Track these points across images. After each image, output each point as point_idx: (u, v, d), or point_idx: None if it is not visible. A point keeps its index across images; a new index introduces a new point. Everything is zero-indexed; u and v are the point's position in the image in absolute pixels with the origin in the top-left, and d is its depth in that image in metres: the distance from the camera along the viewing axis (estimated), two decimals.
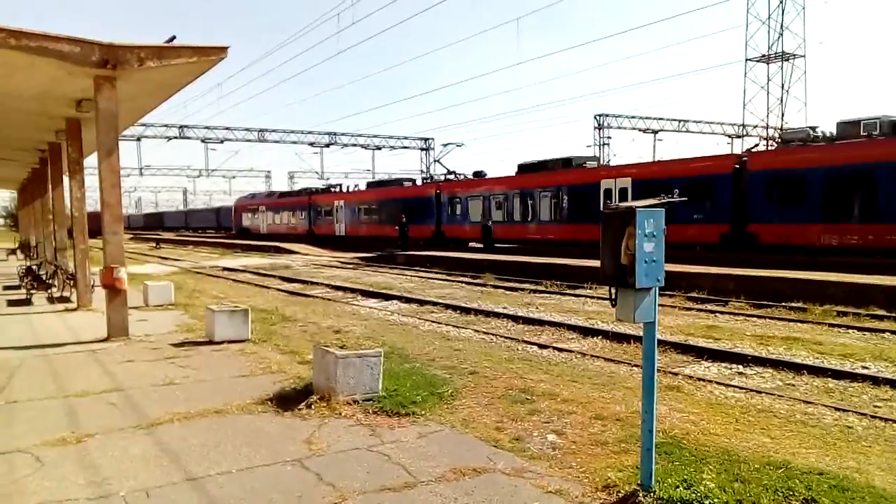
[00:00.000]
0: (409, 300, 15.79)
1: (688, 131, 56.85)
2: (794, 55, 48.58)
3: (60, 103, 12.47)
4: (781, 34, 48.04)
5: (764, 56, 48.93)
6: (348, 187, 49.96)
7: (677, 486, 4.14)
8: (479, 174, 35.15)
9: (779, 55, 48.35)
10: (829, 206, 18.75)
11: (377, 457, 4.88)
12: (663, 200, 4.03)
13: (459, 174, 37.18)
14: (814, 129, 21.45)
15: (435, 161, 51.49)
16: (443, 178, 38.42)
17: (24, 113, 14.25)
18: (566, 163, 28.76)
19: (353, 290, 18.24)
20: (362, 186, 48.06)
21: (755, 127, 52.05)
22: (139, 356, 8.56)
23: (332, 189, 49.61)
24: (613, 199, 24.69)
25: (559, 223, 27.59)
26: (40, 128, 15.81)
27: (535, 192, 28.72)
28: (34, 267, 19.17)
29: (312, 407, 6.00)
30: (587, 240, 23.92)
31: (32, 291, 15.08)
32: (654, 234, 3.92)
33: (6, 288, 17.42)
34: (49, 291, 15.56)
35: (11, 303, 14.35)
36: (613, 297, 4.10)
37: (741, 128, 54.14)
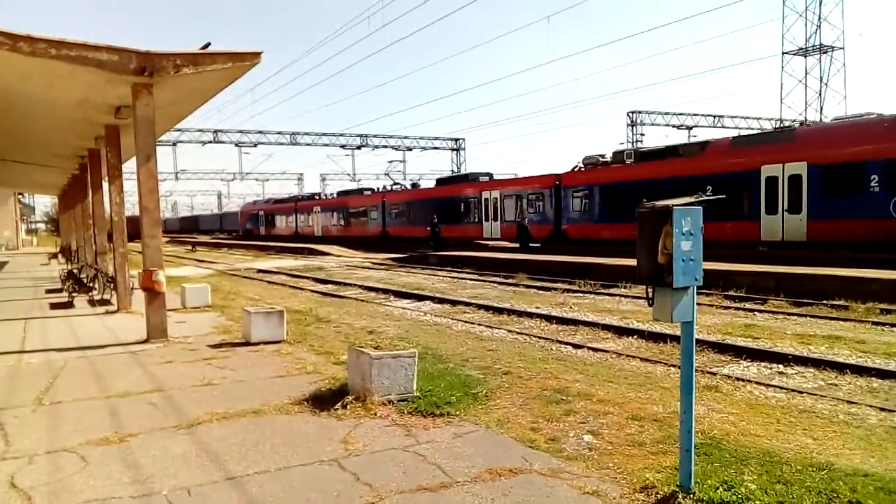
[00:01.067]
0: (441, 300, 15.82)
1: (723, 127, 55.94)
2: (832, 47, 47.54)
3: (100, 110, 12.77)
4: (819, 26, 47.03)
5: (801, 49, 47.99)
6: (328, 194, 60.86)
7: (717, 488, 4.08)
8: (415, 185, 46.13)
9: (816, 48, 47.36)
10: (602, 211, 26.79)
11: (413, 457, 4.89)
12: (701, 198, 3.97)
13: (398, 185, 48.12)
14: (603, 155, 28.46)
15: (461, 163, 53.63)
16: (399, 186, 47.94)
17: (65, 120, 14.64)
18: (466, 177, 38.10)
19: (385, 291, 18.33)
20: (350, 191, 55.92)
21: (793, 121, 51.12)
22: (178, 357, 8.72)
23: (315, 196, 60.91)
24: (487, 206, 33.81)
25: (457, 223, 36.10)
26: (80, 134, 16.21)
27: (444, 201, 37.18)
28: (75, 270, 19.68)
29: (348, 407, 6.05)
30: (472, 236, 34.90)
31: (74, 294, 15.44)
32: (691, 233, 3.87)
33: (49, 291, 17.88)
34: (90, 294, 15.94)
35: (54, 305, 14.71)
36: (650, 296, 4.05)
37: (778, 122, 53.17)
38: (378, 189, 49.55)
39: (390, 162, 53.92)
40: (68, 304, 14.66)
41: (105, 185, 18.02)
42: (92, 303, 15.06)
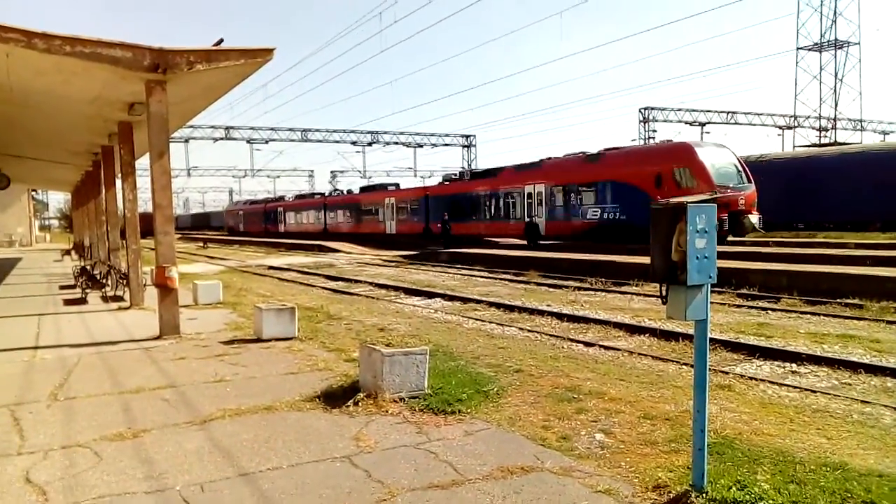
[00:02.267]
0: (452, 298, 15.82)
1: (736, 123, 55.59)
2: (848, 43, 47.12)
3: (113, 107, 12.84)
4: (835, 21, 46.64)
5: (816, 44, 47.62)
6: (289, 198, 68.59)
7: (730, 487, 4.06)
8: (349, 191, 54.40)
9: (832, 43, 46.97)
10: (450, 213, 35.09)
11: (424, 454, 4.90)
12: (714, 195, 3.94)
13: (338, 191, 58.60)
14: (461, 173, 41.91)
15: (471, 161, 54.91)
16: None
17: (80, 117, 14.74)
18: (375, 187, 49.18)
19: (396, 289, 18.35)
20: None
21: (807, 118, 50.69)
22: (190, 354, 8.77)
23: (280, 198, 71.41)
24: (387, 210, 43.96)
25: (370, 222, 46.29)
26: (94, 131, 16.31)
27: (363, 205, 47.82)
28: (88, 267, 19.82)
29: (359, 404, 6.06)
30: (380, 231, 44.49)
31: (87, 291, 15.57)
32: (705, 231, 3.85)
33: (62, 287, 18.02)
34: (103, 290, 16.06)
35: (67, 302, 14.83)
36: (664, 294, 4.03)
37: (792, 119, 52.75)
38: (327, 193, 60.22)
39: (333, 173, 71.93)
40: (82, 301, 14.77)
41: (118, 182, 18.14)
42: (105, 299, 15.17)
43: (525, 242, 30.84)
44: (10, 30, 8.56)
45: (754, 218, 22.17)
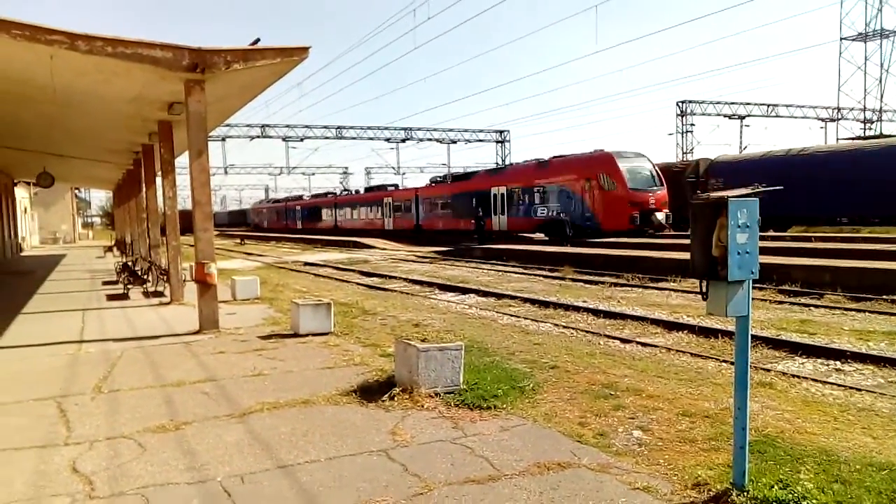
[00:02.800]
0: (486, 294, 15.80)
1: (777, 116, 54.41)
2: (894, 32, 45.70)
3: (153, 107, 13.10)
4: (880, 10, 45.28)
5: (861, 34, 46.35)
6: (307, 197, 75.81)
7: (772, 486, 3.98)
8: (357, 191, 61.25)
9: (877, 32, 45.63)
10: (435, 211, 41.73)
11: (460, 449, 4.91)
12: (757, 189, 3.87)
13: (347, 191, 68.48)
14: (445, 177, 46.49)
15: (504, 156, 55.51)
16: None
17: (121, 116, 15.06)
18: (377, 188, 56.11)
19: (430, 284, 18.39)
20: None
21: (851, 109, 49.41)
22: (229, 348, 8.91)
23: (299, 198, 76.90)
24: (385, 209, 49.36)
25: (373, 218, 51.65)
26: (135, 130, 16.66)
27: (369, 202, 52.85)
28: (130, 263, 20.26)
29: (395, 399, 6.09)
30: (379, 227, 49.66)
31: (129, 286, 15.92)
32: (747, 225, 3.77)
33: (105, 283, 18.47)
34: (144, 286, 16.40)
35: (110, 297, 15.19)
36: (704, 290, 3.97)
37: (836, 111, 51.47)
38: (338, 193, 67.29)
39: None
40: (124, 296, 15.12)
41: (158, 180, 18.50)
42: (146, 294, 15.50)
43: (550, 237, 31.46)
44: (54, 32, 8.78)
45: (661, 215, 26.82)
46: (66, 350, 9.01)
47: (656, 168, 28.64)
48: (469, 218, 36.13)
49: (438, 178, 46.84)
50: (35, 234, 51.61)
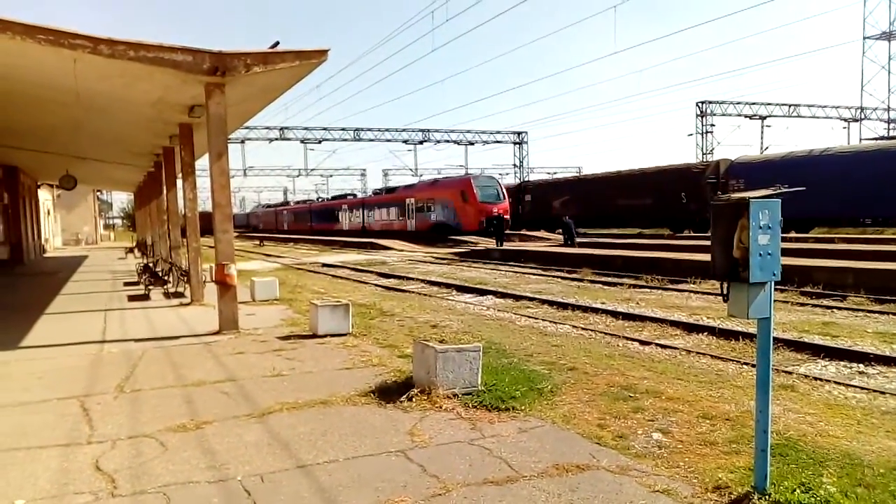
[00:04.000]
0: (504, 295, 15.78)
1: (799, 116, 53.79)
2: None
3: (174, 110, 13.23)
4: None
5: (884, 33, 45.70)
6: (300, 202, 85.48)
7: (794, 490, 3.94)
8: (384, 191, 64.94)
9: None
10: (373, 216, 54.03)
11: (478, 450, 4.90)
12: (779, 190, 3.83)
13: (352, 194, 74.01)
14: (381, 189, 59.97)
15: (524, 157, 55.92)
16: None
17: (142, 119, 15.23)
18: (342, 196, 68.77)
19: (448, 286, 18.41)
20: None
21: (874, 109, 48.73)
22: (249, 348, 8.98)
23: (286, 203, 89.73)
24: (343, 214, 61.31)
25: (328, 224, 63.37)
26: (156, 133, 16.84)
27: (332, 209, 65.21)
28: (151, 264, 20.49)
29: (413, 400, 6.10)
30: (331, 229, 60.22)
31: (150, 287, 16.10)
32: (769, 226, 3.74)
33: (126, 284, 18.67)
34: (165, 287, 16.57)
35: (131, 298, 15.36)
36: (725, 292, 3.94)
37: (859, 111, 50.80)
38: (315, 200, 79.90)
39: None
40: (145, 297, 15.28)
41: (179, 182, 18.69)
42: (167, 295, 15.65)
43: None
44: (78, 36, 8.90)
45: (499, 217, 37.11)
46: (88, 350, 9.13)
47: (502, 187, 41.96)
48: (402, 220, 48.93)
49: (378, 190, 61.28)
50: (58, 236, 52.32)
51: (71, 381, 7.30)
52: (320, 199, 79.06)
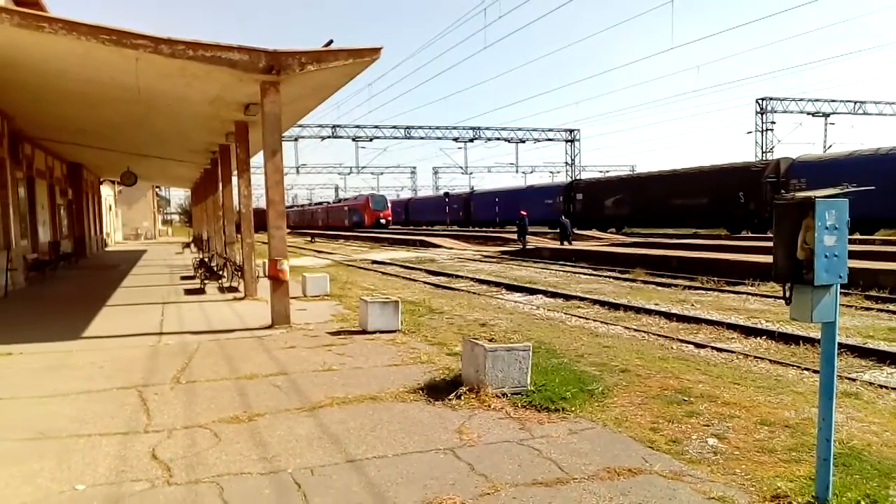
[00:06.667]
0: (554, 295, 15.63)
1: (865, 113, 51.78)
2: None
3: (231, 108, 13.51)
4: None
5: None
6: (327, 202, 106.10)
7: (858, 502, 3.79)
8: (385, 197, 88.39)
9: None
10: (327, 219, 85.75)
11: (528, 451, 4.85)
12: (846, 190, 3.67)
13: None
14: (336, 200, 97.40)
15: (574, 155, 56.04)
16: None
17: (200, 117, 15.61)
18: (325, 201, 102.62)
19: (497, 284, 18.33)
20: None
21: None
22: (300, 343, 9.10)
23: (311, 203, 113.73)
24: (319, 214, 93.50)
25: (327, 221, 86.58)
26: (213, 131, 17.24)
27: (328, 211, 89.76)
28: (206, 259, 21.00)
29: (462, 398, 6.08)
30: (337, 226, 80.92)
31: (205, 281, 16.49)
32: (835, 227, 3.58)
33: (183, 278, 19.18)
34: (219, 281, 16.96)
35: (188, 291, 15.78)
36: (787, 295, 3.79)
37: None
38: (329, 202, 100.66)
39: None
40: (200, 291, 15.67)
41: (234, 179, 19.08)
42: (221, 290, 16.02)
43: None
44: (139, 36, 9.16)
45: (383, 221, 69.31)
46: (147, 341, 9.40)
47: (387, 201, 74.60)
48: (345, 220, 75.67)
49: (334, 201, 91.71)
50: (119, 231, 54.16)
51: (130, 372, 7.52)
52: (311, 204, 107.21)
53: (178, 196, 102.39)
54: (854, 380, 7.29)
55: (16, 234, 17.39)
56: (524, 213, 34.52)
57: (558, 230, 33.17)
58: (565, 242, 31.73)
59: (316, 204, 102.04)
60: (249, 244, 14.91)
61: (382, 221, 69.38)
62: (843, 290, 13.68)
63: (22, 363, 8.17)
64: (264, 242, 11.82)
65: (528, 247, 31.89)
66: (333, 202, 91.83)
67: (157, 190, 63.64)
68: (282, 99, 10.48)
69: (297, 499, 4.08)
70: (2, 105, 15.77)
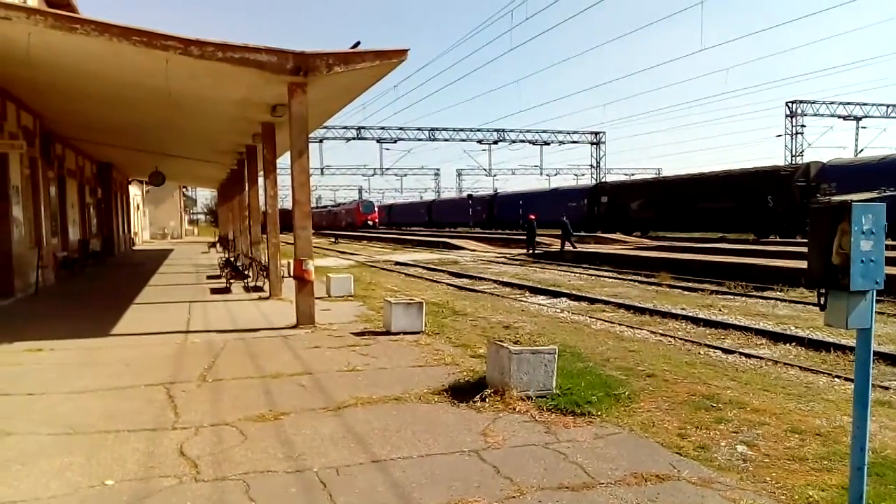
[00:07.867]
0: (578, 298, 15.54)
1: None
2: None
3: (258, 109, 13.62)
4: None
5: None
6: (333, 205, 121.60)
7: None
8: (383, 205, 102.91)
9: None
10: (328, 221, 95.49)
11: (553, 454, 4.81)
12: (884, 194, 3.59)
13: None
14: (335, 204, 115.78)
15: (600, 157, 55.09)
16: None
17: (227, 118, 15.76)
18: (339, 203, 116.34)
19: (520, 287, 18.27)
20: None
21: None
22: (324, 343, 9.14)
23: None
24: (325, 216, 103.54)
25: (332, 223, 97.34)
26: (240, 132, 17.39)
27: (331, 212, 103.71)
28: (232, 259, 21.20)
29: (486, 400, 6.05)
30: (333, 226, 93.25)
31: (231, 281, 16.64)
32: (872, 232, 3.50)
33: (209, 277, 19.39)
34: (245, 281, 17.10)
35: (214, 291, 15.93)
36: (822, 300, 3.72)
37: None
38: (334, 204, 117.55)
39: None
40: (226, 290, 15.82)
41: (260, 180, 19.24)
42: (247, 289, 16.15)
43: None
44: (169, 38, 9.27)
45: (370, 223, 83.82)
46: (174, 340, 9.50)
47: (375, 205, 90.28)
48: (342, 222, 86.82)
49: (334, 205, 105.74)
50: (146, 230, 54.92)
51: (158, 369, 7.61)
52: (316, 207, 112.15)
53: (205, 196, 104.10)
54: (887, 388, 7.14)
55: (47, 233, 17.71)
56: (533, 216, 34.41)
57: (560, 232, 32.48)
58: (567, 244, 31.12)
59: (321, 207, 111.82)
60: (275, 244, 15.02)
61: (369, 223, 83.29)
62: (876, 297, 13.41)
63: (52, 359, 8.30)
64: (289, 243, 11.89)
65: (536, 251, 31.68)
66: (332, 206, 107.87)
67: (183, 190, 64.39)
68: (309, 100, 10.53)
69: (323, 498, 4.09)
70: (34, 105, 16.07)
